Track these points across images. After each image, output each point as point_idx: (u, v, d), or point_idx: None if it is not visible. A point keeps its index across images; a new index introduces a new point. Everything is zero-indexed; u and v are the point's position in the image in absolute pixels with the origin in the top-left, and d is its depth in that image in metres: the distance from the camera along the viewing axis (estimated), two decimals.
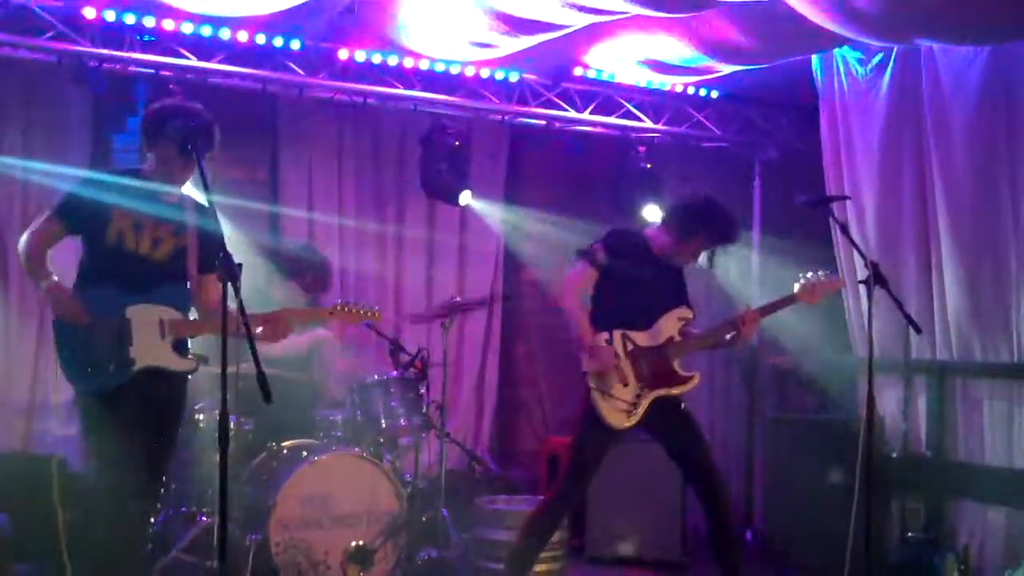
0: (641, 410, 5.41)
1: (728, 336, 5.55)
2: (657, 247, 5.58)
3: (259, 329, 4.64)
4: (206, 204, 4.64)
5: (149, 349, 4.54)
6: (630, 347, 5.46)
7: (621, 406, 5.38)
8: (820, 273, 5.55)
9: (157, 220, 4.61)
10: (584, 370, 5.43)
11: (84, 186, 4.65)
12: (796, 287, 5.54)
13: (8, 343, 6.87)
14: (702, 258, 5.63)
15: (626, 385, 5.41)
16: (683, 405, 5.59)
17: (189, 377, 4.75)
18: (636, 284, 5.47)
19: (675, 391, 5.51)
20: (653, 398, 5.44)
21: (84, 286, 4.57)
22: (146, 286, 4.59)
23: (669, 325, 5.52)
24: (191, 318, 4.73)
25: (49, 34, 6.44)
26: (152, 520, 4.95)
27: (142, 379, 4.53)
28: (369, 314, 5.29)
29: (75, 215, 4.58)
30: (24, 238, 4.60)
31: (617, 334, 5.45)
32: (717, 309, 7.58)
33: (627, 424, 5.41)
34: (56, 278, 4.52)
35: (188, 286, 4.75)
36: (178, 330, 4.63)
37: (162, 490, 4.98)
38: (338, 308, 5.18)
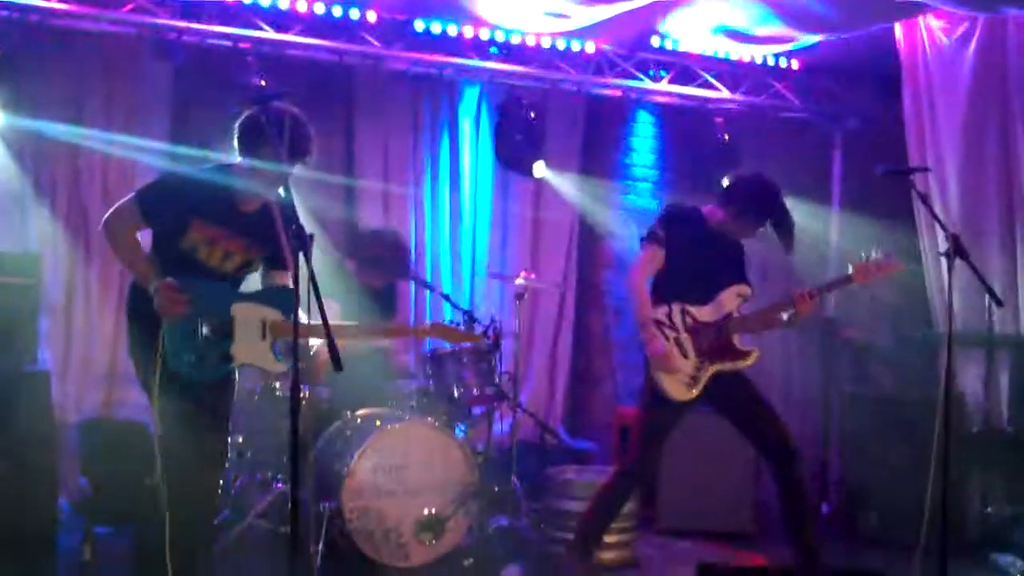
0: (701, 383, 5.43)
1: (785, 315, 5.51)
2: (714, 223, 5.56)
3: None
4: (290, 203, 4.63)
5: (249, 348, 4.58)
6: (690, 321, 5.47)
7: (682, 379, 5.41)
8: (876, 255, 5.44)
9: (231, 235, 4.57)
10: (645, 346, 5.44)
11: (173, 178, 4.64)
12: (851, 268, 5.46)
13: (89, 312, 7.00)
14: (777, 242, 5.55)
15: (686, 358, 5.43)
16: (745, 376, 5.55)
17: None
18: (695, 259, 5.47)
19: (734, 365, 5.49)
20: (714, 371, 5.44)
21: (179, 271, 4.45)
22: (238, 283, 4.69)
23: (729, 300, 5.52)
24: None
25: (129, 7, 6.54)
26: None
27: (235, 375, 4.64)
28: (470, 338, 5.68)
29: (155, 211, 4.49)
30: (109, 224, 4.50)
31: (676, 308, 5.48)
32: (794, 283, 7.47)
33: (688, 396, 5.41)
34: (164, 278, 4.37)
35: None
36: (277, 332, 4.65)
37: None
38: (437, 328, 5.43)
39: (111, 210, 4.51)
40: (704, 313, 5.51)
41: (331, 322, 3.88)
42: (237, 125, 4.58)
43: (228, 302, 4.58)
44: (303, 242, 3.96)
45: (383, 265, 6.69)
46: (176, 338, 4.42)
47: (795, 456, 5.50)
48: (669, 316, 5.48)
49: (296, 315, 3.90)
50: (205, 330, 4.49)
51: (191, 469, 4.48)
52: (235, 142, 4.58)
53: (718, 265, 5.56)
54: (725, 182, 5.75)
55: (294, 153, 4.40)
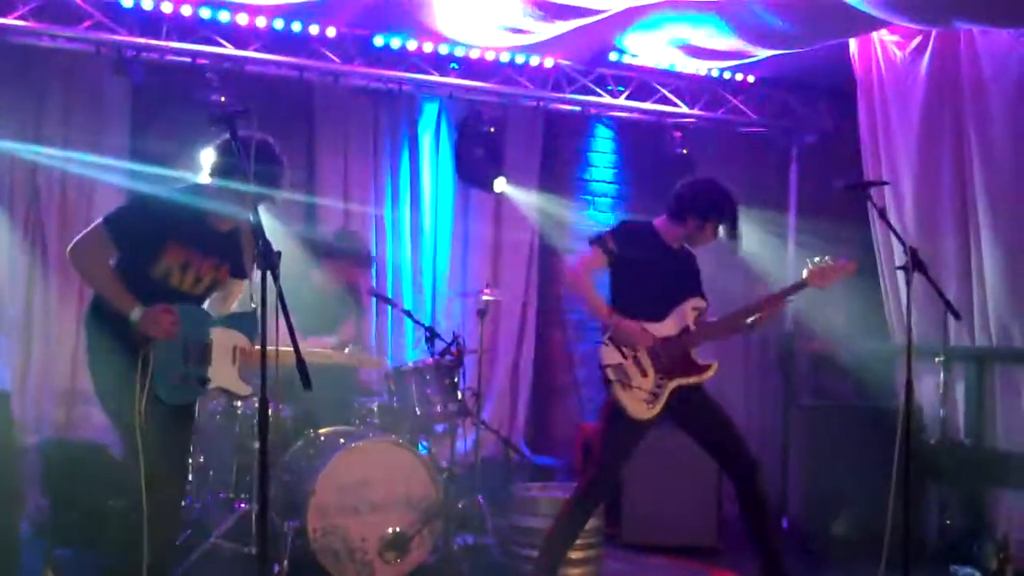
0: (662, 400, 5.43)
1: (749, 320, 5.56)
2: (669, 237, 5.57)
3: None
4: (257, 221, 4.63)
5: (222, 372, 4.63)
6: None
7: (642, 396, 5.41)
8: (828, 258, 5.50)
9: (204, 256, 4.57)
10: (604, 364, 5.44)
11: (141, 204, 4.61)
12: (805, 272, 5.50)
13: (47, 329, 6.93)
14: (728, 244, 5.60)
15: (645, 376, 5.43)
16: (703, 391, 5.59)
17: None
18: (649, 275, 5.48)
19: (694, 380, 5.51)
20: (674, 387, 5.45)
21: (153, 297, 4.42)
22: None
23: (685, 314, 5.53)
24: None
25: (87, 24, 6.50)
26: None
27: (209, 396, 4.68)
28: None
29: (127, 237, 4.45)
30: (78, 253, 4.42)
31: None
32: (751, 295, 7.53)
33: (649, 415, 5.41)
34: (139, 306, 4.34)
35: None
36: (246, 359, 4.69)
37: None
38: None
39: (78, 238, 4.43)
40: (661, 329, 5.50)
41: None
42: (212, 148, 4.56)
43: (207, 326, 4.60)
44: (270, 260, 3.95)
45: (349, 254, 6.74)
46: (162, 362, 4.41)
47: (757, 469, 5.52)
48: (635, 322, 5.48)
49: (264, 335, 3.89)
50: (189, 355, 4.51)
51: (167, 491, 4.48)
52: (208, 165, 4.57)
53: (672, 280, 5.56)
54: (672, 195, 5.74)
55: (267, 182, 4.36)
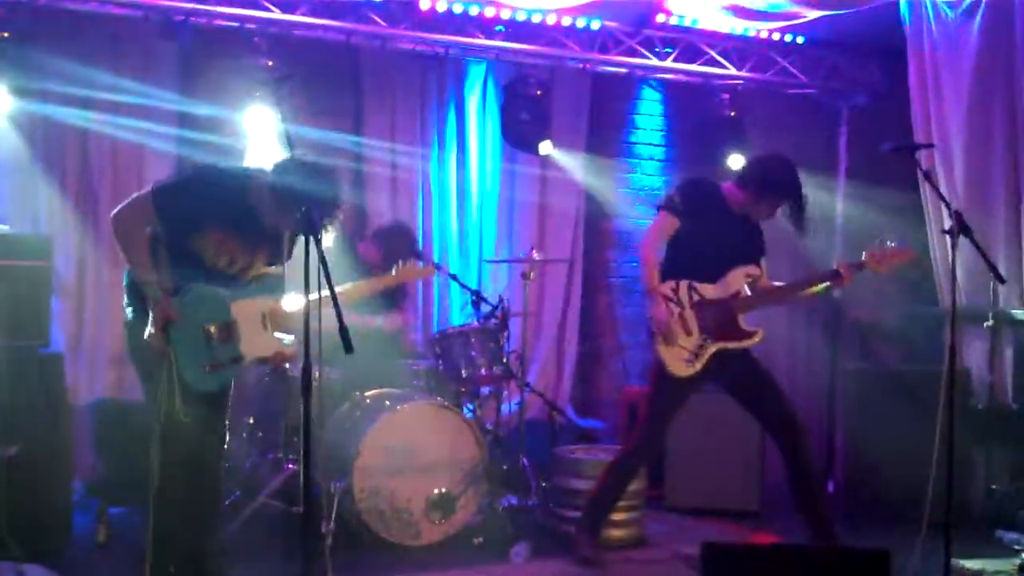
0: (703, 360, 5.47)
1: (795, 295, 5.57)
2: (732, 202, 5.59)
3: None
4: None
5: (255, 343, 4.67)
6: (696, 298, 5.52)
7: (683, 355, 5.46)
8: (890, 243, 5.49)
9: (242, 244, 4.61)
10: (651, 317, 5.48)
11: (190, 184, 4.58)
12: (864, 255, 5.50)
13: (100, 293, 7.04)
14: (787, 222, 5.59)
15: (689, 335, 5.47)
16: (751, 356, 5.60)
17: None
18: (708, 235, 5.50)
19: (737, 344, 5.53)
20: (716, 349, 5.48)
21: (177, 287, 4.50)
22: (231, 287, 4.67)
23: (737, 280, 5.56)
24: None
25: None
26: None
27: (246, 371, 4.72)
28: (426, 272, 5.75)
29: (170, 210, 4.45)
30: (121, 219, 4.47)
31: (683, 284, 5.53)
32: (799, 258, 7.50)
33: (688, 372, 5.46)
34: (161, 287, 4.41)
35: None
36: (277, 320, 4.74)
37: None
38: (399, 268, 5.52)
39: (124, 204, 4.49)
40: (711, 291, 5.54)
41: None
42: (274, 169, 4.61)
43: (227, 305, 4.62)
44: (313, 225, 4.00)
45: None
46: (187, 355, 4.47)
47: (802, 433, 5.54)
48: (675, 291, 5.52)
49: (307, 300, 3.94)
50: (212, 338, 4.55)
51: (206, 481, 4.63)
52: (272, 170, 4.62)
53: (731, 243, 5.59)
54: (743, 163, 5.78)
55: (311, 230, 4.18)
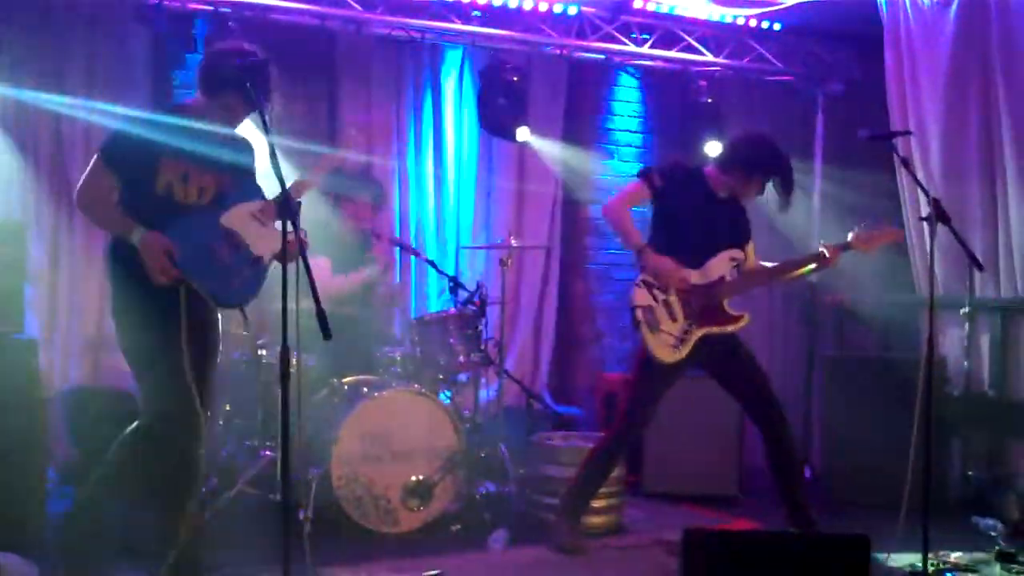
0: (688, 346, 5.46)
1: (779, 278, 5.58)
2: (716, 185, 5.57)
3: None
4: (249, 143, 4.74)
5: (262, 241, 4.60)
6: None
7: (668, 340, 5.44)
8: (873, 223, 5.50)
9: (203, 167, 4.54)
10: (635, 305, 5.46)
11: (131, 125, 4.52)
12: (850, 236, 5.51)
13: (74, 279, 6.97)
14: (773, 202, 5.58)
15: (674, 320, 5.47)
16: (737, 340, 5.60)
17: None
18: (691, 220, 5.48)
19: (722, 329, 5.52)
20: (701, 335, 5.47)
21: (152, 225, 4.42)
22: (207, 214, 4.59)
23: (721, 264, 5.54)
24: None
25: None
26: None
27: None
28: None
29: (122, 162, 4.44)
30: (83, 193, 4.46)
31: None
32: (779, 248, 7.49)
33: (674, 358, 5.45)
34: (138, 228, 4.37)
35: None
36: (269, 214, 4.66)
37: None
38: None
39: (81, 179, 4.47)
40: (695, 276, 5.52)
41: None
42: (198, 64, 4.66)
43: (215, 221, 4.54)
44: (291, 210, 3.98)
45: (365, 195, 6.75)
46: (205, 275, 4.42)
47: (784, 419, 5.56)
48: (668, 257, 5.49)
49: (284, 279, 3.92)
50: (223, 252, 4.51)
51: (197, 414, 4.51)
52: (196, 80, 4.64)
53: (714, 227, 5.56)
54: (726, 144, 5.75)
55: (255, 97, 4.37)
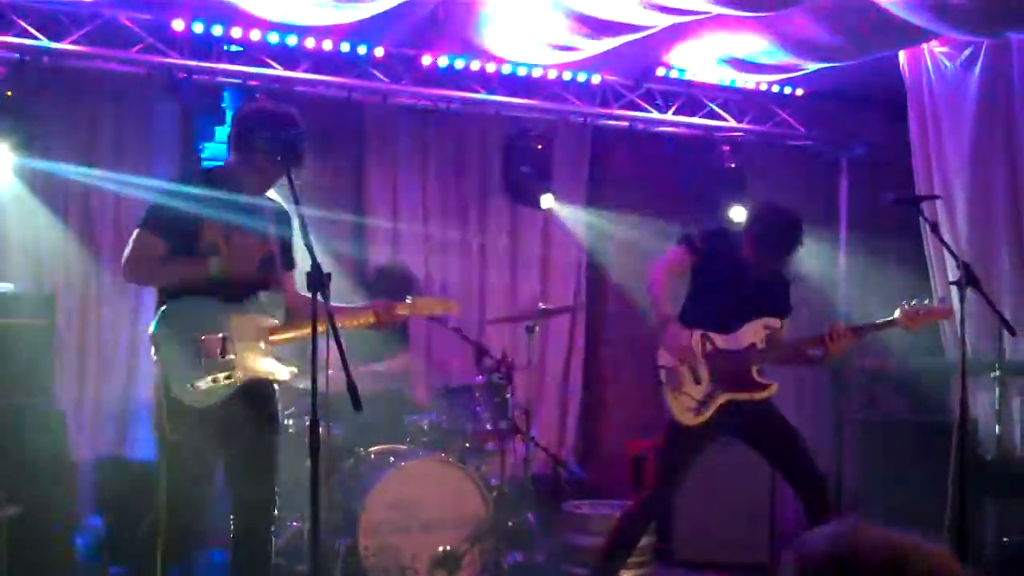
0: (710, 411, 5.38)
1: (814, 352, 5.48)
2: (747, 253, 5.53)
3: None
4: (284, 209, 4.74)
5: (252, 360, 4.49)
6: (709, 347, 5.45)
7: (690, 403, 5.38)
8: (926, 301, 5.41)
9: (244, 230, 4.52)
10: (660, 365, 5.42)
11: (168, 196, 4.51)
12: (898, 313, 5.39)
13: (102, 350, 6.99)
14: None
15: (698, 383, 5.40)
16: (769, 405, 5.52)
17: (276, 385, 4.67)
18: (726, 285, 5.44)
19: (747, 396, 5.45)
20: (725, 400, 5.41)
21: (176, 299, 4.46)
22: (240, 296, 4.54)
23: (754, 331, 5.48)
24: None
25: (139, 47, 6.58)
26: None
27: (241, 392, 4.47)
28: (445, 307, 5.32)
29: (167, 227, 4.43)
30: (131, 264, 4.45)
31: (697, 334, 5.44)
32: (803, 315, 7.44)
33: (695, 422, 5.38)
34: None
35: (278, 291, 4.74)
36: (276, 341, 4.62)
37: (276, 500, 4.73)
38: (417, 301, 5.10)
39: (125, 254, 4.46)
40: (725, 341, 5.47)
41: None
42: (231, 124, 4.64)
43: (224, 317, 4.48)
44: (320, 280, 3.98)
45: (395, 290, 6.71)
46: (175, 364, 4.37)
47: (825, 486, 5.47)
48: (688, 336, 5.45)
49: (314, 350, 3.91)
50: (204, 351, 4.39)
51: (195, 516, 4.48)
52: (228, 141, 4.65)
53: (750, 294, 5.50)
54: (744, 212, 5.72)
55: (285, 156, 4.33)
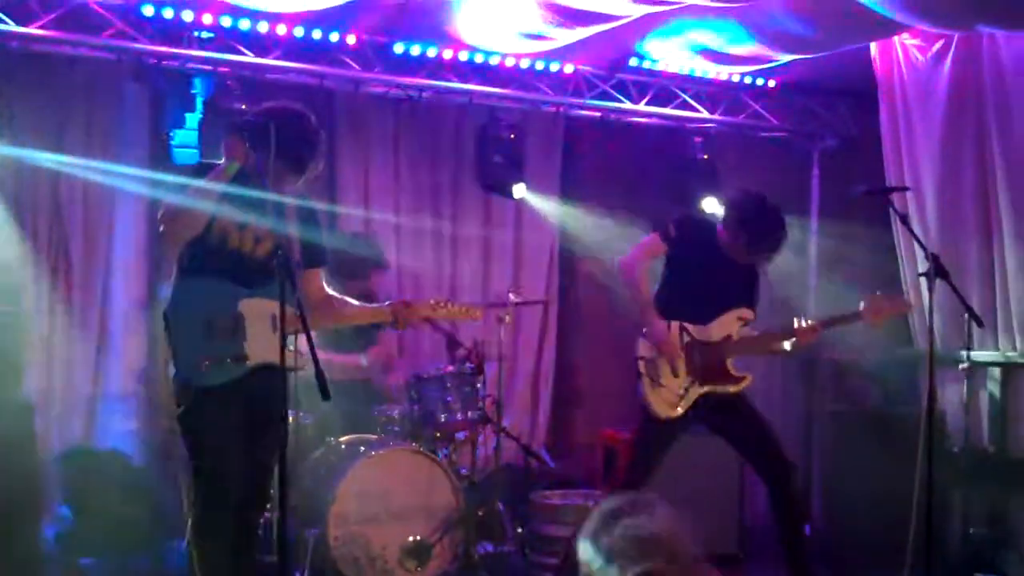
0: (687, 403, 5.41)
1: (787, 344, 5.50)
2: (722, 243, 5.53)
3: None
4: (309, 207, 4.74)
5: (262, 345, 4.42)
6: (686, 338, 5.46)
7: (668, 396, 5.40)
8: (883, 295, 5.46)
9: (258, 217, 4.47)
10: (638, 355, 5.43)
11: (180, 196, 4.45)
12: (862, 306, 5.43)
13: (70, 340, 6.93)
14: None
15: (676, 376, 5.41)
16: (740, 397, 5.54)
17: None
18: (701, 275, 5.45)
19: (723, 389, 5.47)
20: (703, 392, 5.42)
21: (190, 279, 4.47)
22: (253, 282, 4.48)
23: (729, 323, 5.50)
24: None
25: (109, 32, 6.51)
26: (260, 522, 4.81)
27: (254, 375, 4.44)
28: (470, 313, 5.32)
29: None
30: (165, 223, 4.47)
31: (674, 325, 5.45)
32: (774, 305, 7.47)
33: (671, 414, 5.41)
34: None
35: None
36: (290, 325, 4.60)
37: (271, 491, 4.74)
38: (440, 305, 5.12)
39: (163, 213, 4.46)
40: (702, 332, 5.48)
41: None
42: (241, 126, 4.53)
43: (233, 299, 4.46)
44: (289, 270, 3.96)
45: (362, 262, 6.71)
46: (184, 344, 4.39)
47: (793, 478, 5.49)
48: (667, 331, 5.46)
49: (283, 341, 3.90)
50: (215, 331, 4.40)
51: (220, 507, 4.42)
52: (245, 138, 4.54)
53: (724, 285, 5.51)
54: (723, 203, 5.72)
55: (288, 161, 4.38)
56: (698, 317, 5.47)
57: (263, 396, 4.34)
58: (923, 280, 5.06)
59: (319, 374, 3.77)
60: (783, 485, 5.47)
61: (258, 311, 4.47)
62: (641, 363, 5.44)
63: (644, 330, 5.46)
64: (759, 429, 5.53)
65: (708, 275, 5.45)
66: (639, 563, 2.61)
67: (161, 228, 4.51)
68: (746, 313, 5.54)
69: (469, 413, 6.39)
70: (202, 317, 4.40)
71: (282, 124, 4.36)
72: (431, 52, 7.34)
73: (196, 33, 6.74)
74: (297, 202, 4.70)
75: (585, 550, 2.72)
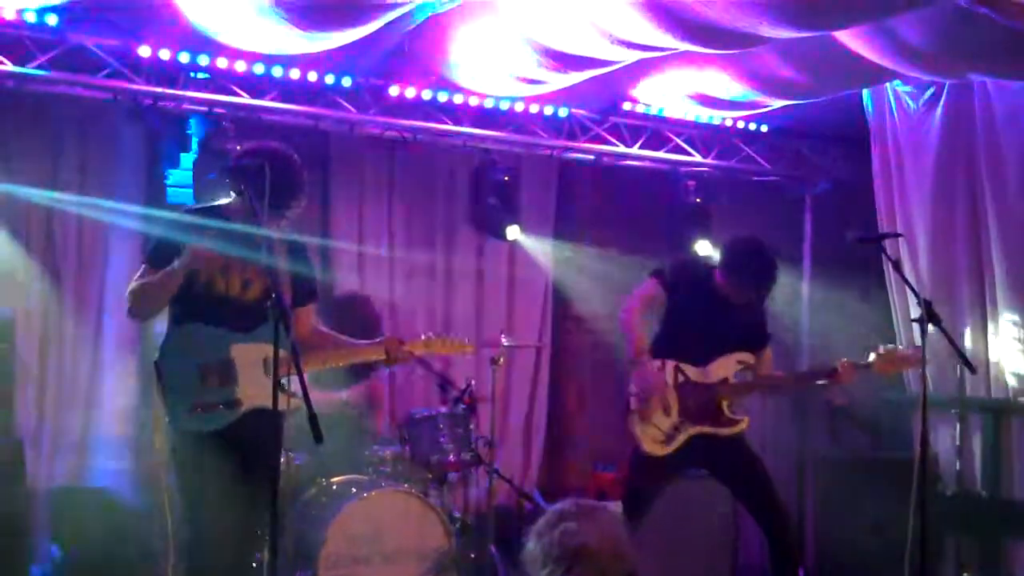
0: (677, 443, 5.41)
1: (821, 383, 5.51)
2: (720, 286, 5.55)
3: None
4: (299, 245, 4.77)
5: (255, 389, 4.44)
6: (680, 379, 5.47)
7: (657, 434, 5.41)
8: (899, 347, 5.48)
9: (244, 261, 4.51)
10: (631, 392, 5.44)
11: (171, 231, 4.54)
12: (871, 356, 5.43)
13: (61, 375, 6.90)
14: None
15: (667, 415, 5.42)
16: (741, 441, 5.54)
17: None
18: (699, 318, 5.46)
19: (719, 431, 5.47)
20: (694, 433, 5.42)
21: (181, 324, 4.50)
22: (245, 326, 4.51)
23: (727, 366, 5.51)
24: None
25: (105, 72, 6.52)
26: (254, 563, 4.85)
27: (246, 419, 4.45)
28: (461, 348, 5.33)
29: (166, 261, 4.45)
30: (132, 292, 4.51)
31: (670, 364, 5.47)
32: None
33: (661, 452, 5.43)
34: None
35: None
36: (282, 368, 4.60)
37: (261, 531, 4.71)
38: (433, 339, 5.18)
39: (131, 288, 4.52)
40: (697, 374, 5.49)
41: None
42: (229, 166, 4.62)
43: (228, 344, 4.49)
44: (283, 313, 3.96)
45: (356, 331, 6.67)
46: (175, 389, 4.39)
47: (788, 523, 5.49)
48: (661, 370, 5.46)
49: (275, 382, 3.89)
50: (206, 376, 4.42)
51: (214, 548, 4.40)
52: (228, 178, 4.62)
53: (722, 328, 5.52)
54: (709, 246, 5.77)
55: (278, 201, 4.37)
56: (695, 358, 5.49)
57: (255, 440, 4.32)
58: (915, 325, 5.07)
59: (312, 417, 3.75)
60: (778, 529, 5.46)
61: (251, 355, 4.49)
62: (633, 399, 5.44)
63: (635, 370, 5.46)
64: (758, 477, 5.53)
65: (705, 318, 5.48)
66: (563, 568, 2.85)
67: (127, 306, 4.56)
68: (745, 357, 5.55)
69: (462, 454, 6.37)
70: (193, 364, 4.43)
71: (271, 165, 4.37)
72: (426, 95, 7.37)
73: (192, 74, 6.77)
74: (285, 238, 4.73)
75: (530, 546, 3.02)
